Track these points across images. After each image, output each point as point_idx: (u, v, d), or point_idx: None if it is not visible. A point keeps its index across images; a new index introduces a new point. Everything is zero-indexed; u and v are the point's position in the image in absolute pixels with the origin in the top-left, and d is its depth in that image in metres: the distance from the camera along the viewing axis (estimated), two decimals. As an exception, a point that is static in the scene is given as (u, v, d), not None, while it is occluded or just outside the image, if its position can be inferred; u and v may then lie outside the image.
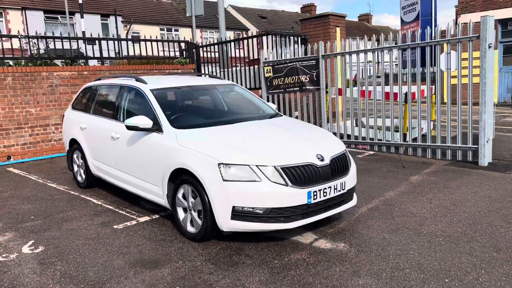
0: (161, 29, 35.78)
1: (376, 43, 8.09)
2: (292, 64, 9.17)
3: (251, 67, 10.70)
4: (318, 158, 3.98)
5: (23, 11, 27.74)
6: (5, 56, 8.72)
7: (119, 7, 32.94)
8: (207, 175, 3.86)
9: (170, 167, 4.27)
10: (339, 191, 4.06)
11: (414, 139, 7.65)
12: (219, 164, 3.82)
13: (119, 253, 3.94)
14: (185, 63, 11.50)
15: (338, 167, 4.11)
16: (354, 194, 4.47)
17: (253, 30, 40.33)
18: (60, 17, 29.28)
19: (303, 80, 8.99)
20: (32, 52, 9.26)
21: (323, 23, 10.16)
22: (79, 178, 6.37)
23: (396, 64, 9.13)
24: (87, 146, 5.95)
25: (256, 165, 3.77)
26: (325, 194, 3.93)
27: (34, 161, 8.67)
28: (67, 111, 6.73)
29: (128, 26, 32.71)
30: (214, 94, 5.56)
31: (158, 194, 4.59)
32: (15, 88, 8.58)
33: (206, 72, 11.89)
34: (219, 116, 5.28)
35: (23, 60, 9.16)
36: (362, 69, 8.94)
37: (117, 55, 10.87)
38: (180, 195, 4.26)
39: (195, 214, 4.12)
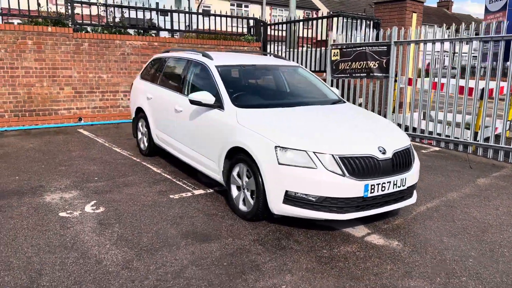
0: (231, 4, 35.92)
1: (454, 32, 7.55)
2: (361, 48, 8.84)
3: (318, 49, 10.46)
4: (380, 151, 3.82)
5: (103, -21, 28.94)
6: (84, 22, 9.15)
7: (192, -20, 33.34)
8: (263, 157, 3.85)
9: (227, 145, 4.30)
10: (398, 187, 3.90)
11: (486, 139, 7.15)
12: (275, 147, 3.79)
13: (172, 223, 4.08)
14: (251, 41, 11.47)
15: (400, 162, 3.93)
16: (414, 191, 4.28)
17: (323, 11, 39.36)
18: (137, -13, 30.21)
19: (372, 66, 8.65)
20: (108, 20, 9.65)
21: (399, 8, 9.66)
22: (141, 146, 6.63)
23: (474, 57, 8.52)
24: (152, 116, 6.14)
25: (314, 152, 3.70)
26: (383, 188, 3.78)
27: (102, 125, 9.14)
28: (136, 80, 6.97)
29: (199, 0, 33.13)
30: (278, 75, 5.50)
31: (214, 169, 4.66)
32: (90, 54, 9.02)
33: (272, 52, 11.80)
34: (280, 98, 5.22)
35: (99, 27, 9.58)
36: (436, 59, 8.42)
37: (187, 28, 11.05)
38: (235, 173, 4.30)
39: (248, 194, 4.15)
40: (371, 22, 10.17)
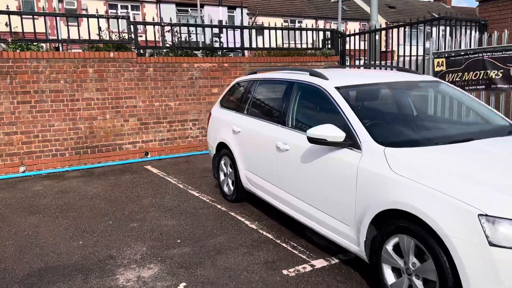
0: (284, 21, 34.92)
1: None
2: (476, 55, 7.21)
3: (408, 60, 8.89)
4: None
5: (158, 4, 28.92)
6: (148, 45, 8.21)
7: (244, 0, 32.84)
8: (455, 231, 2.40)
9: (376, 205, 2.90)
10: None
11: None
12: (480, 215, 2.33)
13: (305, 329, 2.70)
14: (329, 55, 10.10)
15: None
16: None
17: (381, 22, 37.47)
18: (190, 9, 30.00)
19: (493, 76, 6.98)
20: (174, 41, 8.66)
21: (516, 4, 7.95)
22: (225, 189, 5.37)
23: None
24: (240, 153, 4.88)
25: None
26: None
27: (170, 159, 8.05)
28: (215, 109, 5.77)
29: (253, 18, 32.42)
30: (419, 94, 4.05)
31: (346, 235, 3.27)
32: (156, 80, 8.02)
33: (349, 65, 10.35)
34: (438, 127, 3.76)
35: (163, 50, 8.61)
36: None
37: (250, 47, 9.88)
38: (390, 247, 2.88)
39: (418, 283, 2.70)
40: (476, 25, 8.52)
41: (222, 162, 5.39)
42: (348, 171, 3.19)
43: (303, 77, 4.11)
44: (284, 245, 3.99)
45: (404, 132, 3.40)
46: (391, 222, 2.84)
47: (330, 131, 3.26)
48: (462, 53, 7.46)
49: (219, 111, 5.60)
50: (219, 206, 5.16)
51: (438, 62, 7.84)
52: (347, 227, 3.25)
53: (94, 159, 7.64)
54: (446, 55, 7.73)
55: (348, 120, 3.35)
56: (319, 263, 3.62)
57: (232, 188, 5.21)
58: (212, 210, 5.03)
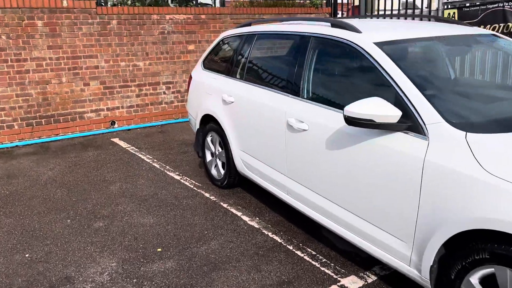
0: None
1: None
2: (495, 5, 6.26)
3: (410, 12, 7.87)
4: None
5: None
6: (109, -7, 6.85)
7: None
8: None
9: (454, 221, 1.97)
10: None
11: None
12: None
13: None
14: (319, 5, 8.93)
15: None
16: None
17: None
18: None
19: (515, 31, 6.08)
20: (140, -12, 7.29)
21: None
22: (213, 172, 4.35)
23: None
24: (234, 130, 3.82)
25: None
26: None
27: (141, 129, 6.90)
28: (197, 71, 4.63)
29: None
30: (479, 53, 3.05)
31: (400, 255, 2.34)
32: (121, 35, 6.71)
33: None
34: None
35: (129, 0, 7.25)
36: None
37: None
38: (476, 280, 1.98)
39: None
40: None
41: (209, 139, 4.34)
42: (406, 166, 2.22)
43: (323, 29, 3.04)
44: (299, 253, 3.06)
45: (492, 109, 2.42)
46: (481, 247, 1.92)
47: (379, 108, 2.25)
48: (478, 3, 6.50)
49: (202, 74, 4.47)
50: (206, 194, 4.15)
51: (449, 13, 6.87)
52: (402, 244, 2.32)
53: (50, 131, 6.40)
54: (458, 5, 6.75)
55: (402, 90, 2.34)
56: (351, 282, 2.72)
57: (222, 171, 4.19)
58: (198, 200, 4.02)
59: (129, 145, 5.95)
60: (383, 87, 2.45)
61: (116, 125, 6.90)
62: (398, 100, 2.34)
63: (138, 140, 6.21)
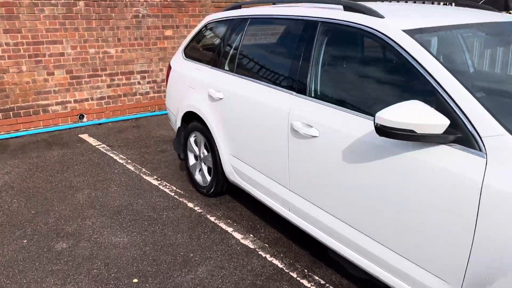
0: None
1: None
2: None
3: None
4: None
5: None
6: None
7: None
8: None
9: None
10: None
11: None
12: None
13: None
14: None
15: None
16: None
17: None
18: None
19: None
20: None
21: None
22: (198, 177, 3.79)
23: None
24: (223, 131, 3.26)
25: None
26: None
27: (114, 124, 6.24)
28: (177, 60, 4.02)
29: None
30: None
31: (439, 295, 1.87)
32: (89, 19, 6.00)
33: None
34: None
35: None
36: None
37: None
38: None
39: None
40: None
41: (192, 139, 3.76)
42: (457, 191, 1.73)
43: (334, 13, 2.50)
44: (305, 283, 2.56)
45: None
46: None
47: (421, 116, 1.75)
48: (478, -11, 6.06)
49: (184, 64, 3.87)
50: (190, 205, 3.60)
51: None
52: (446, 286, 1.85)
53: (9, 126, 5.68)
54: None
55: (447, 92, 1.83)
56: (373, 322, 2.25)
57: (208, 178, 3.64)
58: (181, 212, 3.47)
59: (99, 143, 5.31)
60: (418, 87, 1.94)
61: (85, 119, 6.21)
62: (440, 104, 1.84)
63: (109, 137, 5.57)
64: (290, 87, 2.63)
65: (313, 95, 2.48)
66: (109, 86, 6.35)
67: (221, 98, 3.20)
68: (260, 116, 2.80)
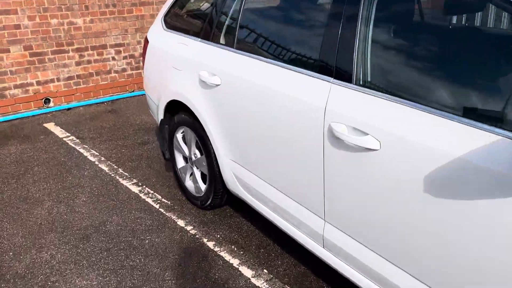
0: None
1: None
2: None
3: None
4: None
5: None
6: None
7: None
8: None
9: None
10: None
11: None
12: None
13: None
14: None
15: None
16: None
17: None
18: None
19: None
20: None
21: None
22: (189, 184, 2.94)
23: None
24: (220, 127, 2.40)
25: None
26: None
27: (85, 108, 5.30)
28: (155, 32, 3.09)
29: None
30: None
31: None
32: (48, -18, 4.96)
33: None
34: None
35: None
36: None
37: None
38: None
39: None
40: None
41: (179, 135, 2.89)
42: None
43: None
44: None
45: None
46: None
47: None
48: None
49: (165, 37, 2.94)
50: (180, 223, 2.77)
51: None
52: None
53: (-43, 116, 4.73)
54: None
55: None
56: None
57: (203, 186, 2.80)
58: (169, 236, 2.64)
59: (67, 134, 4.40)
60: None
61: (51, 104, 5.26)
62: None
63: (80, 125, 4.65)
64: (325, 70, 1.76)
65: (363, 83, 1.62)
66: (78, 64, 5.36)
67: (218, 84, 2.32)
68: (276, 113, 1.94)
